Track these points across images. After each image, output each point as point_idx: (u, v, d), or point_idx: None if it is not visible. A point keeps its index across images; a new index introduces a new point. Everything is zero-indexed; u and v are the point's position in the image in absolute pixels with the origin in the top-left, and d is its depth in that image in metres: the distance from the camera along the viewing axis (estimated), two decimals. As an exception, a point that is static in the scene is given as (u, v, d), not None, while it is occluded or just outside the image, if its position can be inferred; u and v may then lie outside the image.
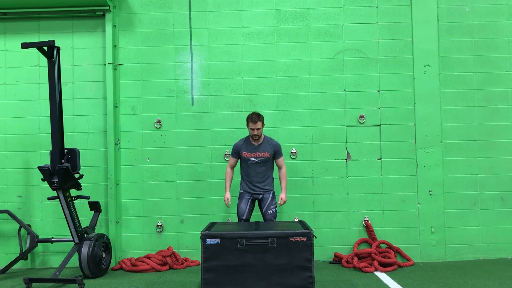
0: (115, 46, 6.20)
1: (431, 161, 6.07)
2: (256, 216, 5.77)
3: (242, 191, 5.46)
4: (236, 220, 5.71)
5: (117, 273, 5.60)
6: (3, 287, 5.09)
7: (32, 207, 6.16)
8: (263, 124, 5.32)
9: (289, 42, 6.24)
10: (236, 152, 5.44)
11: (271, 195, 5.42)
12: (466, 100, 6.16)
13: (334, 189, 6.13)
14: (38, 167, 5.22)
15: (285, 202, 5.44)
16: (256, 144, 5.36)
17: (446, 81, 6.16)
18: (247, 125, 5.31)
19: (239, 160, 5.49)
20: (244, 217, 5.37)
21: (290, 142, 6.16)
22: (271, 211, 5.36)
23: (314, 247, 4.40)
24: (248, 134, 5.44)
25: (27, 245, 5.76)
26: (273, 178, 5.51)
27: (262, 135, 5.41)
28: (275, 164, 5.51)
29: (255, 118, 5.25)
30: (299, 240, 4.30)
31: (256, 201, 5.47)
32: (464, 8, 6.21)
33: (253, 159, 5.33)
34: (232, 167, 5.52)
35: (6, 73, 6.25)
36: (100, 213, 5.82)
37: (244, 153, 5.36)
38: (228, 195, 5.42)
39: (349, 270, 5.53)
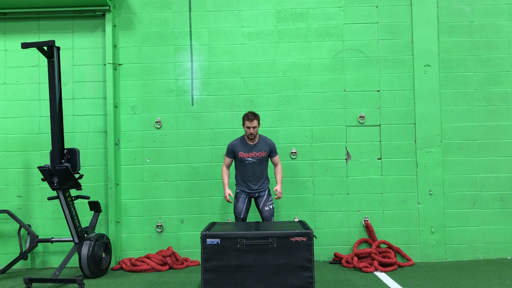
0: (115, 46, 6.20)
1: (431, 161, 6.07)
2: (255, 216, 5.77)
3: (238, 191, 5.48)
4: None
5: (117, 273, 5.60)
6: (3, 287, 5.09)
7: (32, 207, 6.15)
8: (259, 123, 5.34)
9: (289, 42, 6.24)
10: (231, 152, 5.44)
11: (267, 193, 5.47)
12: (466, 100, 6.16)
13: (334, 189, 6.13)
14: (38, 167, 5.22)
15: (281, 193, 5.39)
16: (252, 143, 5.36)
17: (446, 81, 6.16)
18: (243, 124, 5.33)
19: (234, 161, 5.50)
20: (242, 216, 5.39)
21: (290, 142, 6.16)
22: (268, 208, 5.39)
23: (314, 247, 4.40)
24: (242, 134, 5.46)
25: (27, 245, 5.76)
26: (268, 176, 5.53)
27: (258, 134, 5.41)
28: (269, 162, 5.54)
29: (251, 116, 5.27)
30: (299, 240, 4.30)
31: (253, 199, 5.50)
32: (464, 8, 6.21)
33: (250, 159, 5.34)
34: (228, 166, 5.52)
35: (6, 73, 6.25)
36: (100, 213, 5.82)
37: (241, 154, 5.35)
38: (228, 191, 5.41)
39: (349, 270, 5.54)
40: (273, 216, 5.45)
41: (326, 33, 6.23)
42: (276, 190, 5.39)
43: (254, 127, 5.27)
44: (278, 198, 5.43)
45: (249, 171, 5.37)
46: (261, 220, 5.53)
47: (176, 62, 6.26)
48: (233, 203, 5.51)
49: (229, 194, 5.40)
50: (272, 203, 5.45)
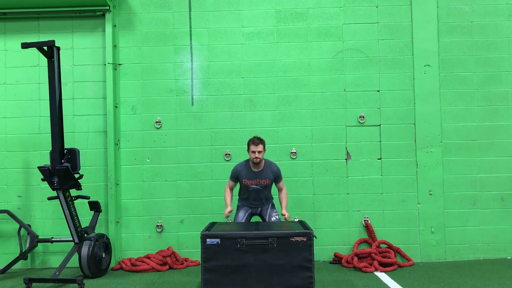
0: (115, 46, 6.20)
1: (431, 161, 6.07)
2: (257, 216, 5.77)
3: (240, 204, 5.40)
4: None
5: (117, 273, 5.60)
6: (3, 287, 5.09)
7: (32, 207, 6.15)
8: (264, 148, 5.14)
9: (289, 42, 6.24)
10: (235, 177, 5.27)
11: (270, 205, 5.36)
12: (466, 100, 6.16)
13: (334, 189, 6.13)
14: (38, 167, 5.22)
15: (288, 216, 5.21)
16: (256, 170, 5.19)
17: (446, 81, 6.16)
18: (248, 149, 5.13)
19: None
20: None
21: (290, 142, 6.16)
22: (274, 218, 5.27)
23: (314, 247, 4.39)
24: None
25: (27, 245, 5.76)
26: (272, 197, 5.43)
27: (263, 160, 5.21)
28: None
29: (256, 141, 5.09)
30: (299, 240, 4.30)
31: (256, 216, 5.40)
32: (464, 8, 6.21)
33: (254, 186, 5.20)
34: (231, 188, 5.36)
35: (6, 73, 6.25)
36: (100, 213, 5.82)
37: (245, 181, 5.20)
38: (229, 208, 5.23)
39: (349, 270, 5.54)
40: None
41: (326, 33, 6.23)
42: (284, 215, 5.17)
43: (259, 152, 5.06)
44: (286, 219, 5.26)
45: (252, 195, 5.25)
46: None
47: (176, 62, 6.26)
48: (234, 213, 5.40)
49: (229, 211, 5.20)
50: (278, 214, 5.32)
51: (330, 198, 6.12)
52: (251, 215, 5.37)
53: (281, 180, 5.33)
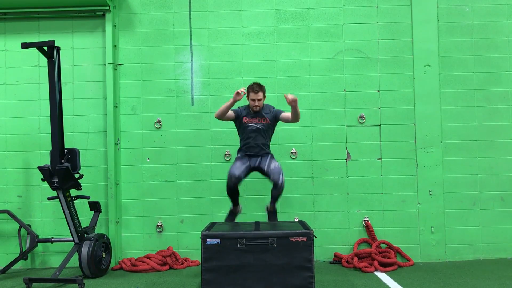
0: (115, 46, 6.20)
1: (431, 161, 6.07)
2: (257, 216, 5.78)
3: (239, 155, 5.24)
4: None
5: (117, 273, 5.60)
6: (3, 287, 5.09)
7: (32, 207, 6.15)
8: (264, 96, 5.08)
9: (289, 42, 6.24)
10: (234, 110, 5.12)
11: (269, 156, 5.20)
12: (466, 100, 6.16)
13: (334, 189, 6.13)
14: (38, 167, 5.22)
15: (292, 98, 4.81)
16: (257, 112, 5.13)
17: (446, 81, 6.16)
18: (247, 96, 5.07)
19: (237, 130, 5.30)
20: (237, 174, 4.95)
21: (290, 142, 6.16)
22: (273, 165, 5.02)
23: (314, 247, 4.40)
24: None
25: (27, 245, 5.76)
26: (271, 151, 5.31)
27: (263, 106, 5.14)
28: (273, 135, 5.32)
29: (256, 87, 4.97)
30: (299, 240, 4.30)
31: (256, 170, 5.21)
32: (464, 8, 6.21)
33: (253, 124, 5.11)
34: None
35: (6, 73, 6.25)
36: (100, 213, 5.81)
37: (245, 118, 5.13)
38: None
39: (349, 270, 5.54)
40: (282, 173, 4.99)
41: (326, 33, 6.23)
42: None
43: (259, 100, 4.99)
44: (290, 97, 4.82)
45: (252, 138, 5.12)
46: (261, 220, 5.51)
47: (176, 62, 6.26)
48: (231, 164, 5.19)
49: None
50: (277, 162, 5.12)
51: (330, 198, 6.12)
52: (249, 168, 5.15)
53: (283, 112, 5.13)
